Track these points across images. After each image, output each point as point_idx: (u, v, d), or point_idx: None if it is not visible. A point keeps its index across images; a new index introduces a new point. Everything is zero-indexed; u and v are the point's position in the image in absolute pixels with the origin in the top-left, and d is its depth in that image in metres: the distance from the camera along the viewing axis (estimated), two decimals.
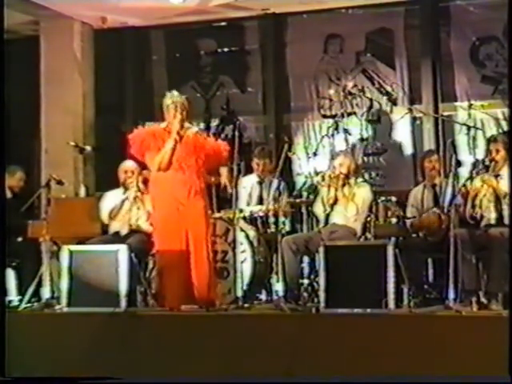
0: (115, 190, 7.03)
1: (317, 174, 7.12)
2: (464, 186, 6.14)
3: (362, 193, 6.65)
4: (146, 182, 6.69)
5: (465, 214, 6.13)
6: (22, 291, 6.68)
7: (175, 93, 6.25)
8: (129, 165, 6.97)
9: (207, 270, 6.05)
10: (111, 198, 6.97)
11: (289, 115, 8.93)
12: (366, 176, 8.20)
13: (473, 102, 8.22)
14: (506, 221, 6.00)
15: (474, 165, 6.75)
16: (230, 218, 6.49)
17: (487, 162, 6.17)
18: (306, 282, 6.61)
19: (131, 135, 6.30)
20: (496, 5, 7.77)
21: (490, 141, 6.38)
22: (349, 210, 6.58)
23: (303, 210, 7.26)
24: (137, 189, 6.78)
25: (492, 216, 6.07)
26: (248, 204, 7.21)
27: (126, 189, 6.88)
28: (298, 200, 7.39)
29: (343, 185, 6.63)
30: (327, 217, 6.68)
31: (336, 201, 6.63)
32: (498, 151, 6.15)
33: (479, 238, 5.90)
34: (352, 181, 6.69)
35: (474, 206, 6.08)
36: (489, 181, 6.06)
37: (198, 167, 6.15)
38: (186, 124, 6.24)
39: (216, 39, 9.16)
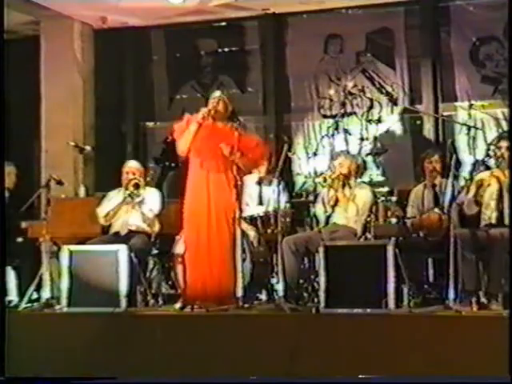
0: (117, 189, 6.99)
1: (317, 174, 7.10)
2: (465, 185, 6.14)
3: (363, 194, 6.62)
4: (137, 186, 6.72)
5: (468, 207, 6.13)
6: (22, 291, 6.67)
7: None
8: (130, 165, 6.97)
9: (223, 267, 6.05)
10: (111, 199, 6.93)
11: (289, 115, 8.94)
12: (366, 176, 8.19)
13: (473, 102, 8.22)
14: (507, 221, 5.99)
15: (475, 165, 6.75)
16: None
17: (493, 158, 6.16)
18: (305, 282, 6.60)
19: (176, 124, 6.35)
20: (496, 5, 7.80)
21: (500, 138, 6.34)
22: (349, 210, 6.55)
23: (303, 210, 7.25)
24: (132, 190, 6.75)
25: (493, 215, 6.05)
26: (248, 204, 7.20)
27: (126, 189, 6.84)
28: (297, 200, 7.37)
29: (343, 185, 6.61)
30: (328, 217, 6.67)
31: (336, 201, 6.61)
32: (508, 148, 6.12)
33: (479, 238, 5.89)
34: (352, 182, 6.67)
35: (476, 200, 6.02)
36: (496, 171, 6.03)
37: (231, 161, 6.12)
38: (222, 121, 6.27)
39: (216, 39, 9.17)
